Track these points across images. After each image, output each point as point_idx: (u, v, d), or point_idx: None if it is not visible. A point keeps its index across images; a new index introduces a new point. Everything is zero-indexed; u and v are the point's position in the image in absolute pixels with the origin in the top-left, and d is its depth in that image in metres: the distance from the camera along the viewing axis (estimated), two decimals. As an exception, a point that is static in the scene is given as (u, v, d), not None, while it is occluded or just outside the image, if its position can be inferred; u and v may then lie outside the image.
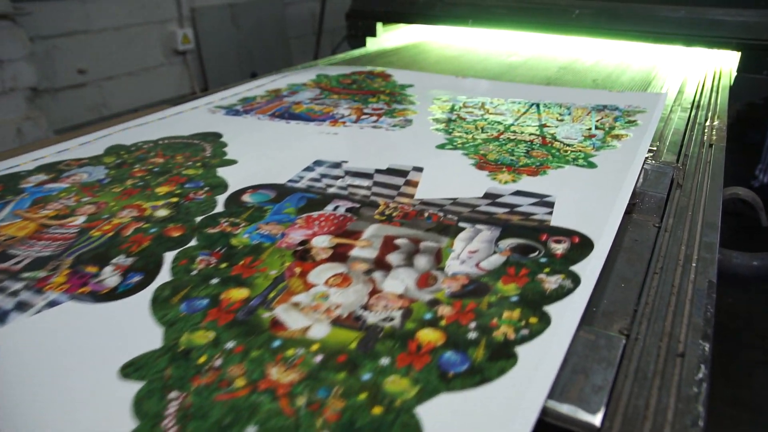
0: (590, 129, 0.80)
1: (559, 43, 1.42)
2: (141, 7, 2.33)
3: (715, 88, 1.05)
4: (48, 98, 2.06)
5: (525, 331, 0.39)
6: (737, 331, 1.52)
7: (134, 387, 0.35)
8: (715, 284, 0.46)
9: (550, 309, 0.41)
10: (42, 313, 0.43)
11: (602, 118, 0.84)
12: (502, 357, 0.37)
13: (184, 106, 0.95)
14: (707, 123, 0.86)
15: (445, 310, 0.41)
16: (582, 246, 0.49)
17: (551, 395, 0.34)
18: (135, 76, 2.38)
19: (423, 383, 0.35)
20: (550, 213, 0.56)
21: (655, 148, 0.74)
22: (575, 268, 0.46)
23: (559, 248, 0.49)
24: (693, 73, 1.15)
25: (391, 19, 1.46)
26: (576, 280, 0.44)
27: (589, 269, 0.46)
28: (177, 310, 0.42)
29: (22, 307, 0.43)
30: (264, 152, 0.74)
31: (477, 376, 0.35)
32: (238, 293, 0.44)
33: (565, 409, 0.33)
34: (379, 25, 1.46)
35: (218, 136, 0.81)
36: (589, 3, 1.27)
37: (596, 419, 0.33)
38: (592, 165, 0.68)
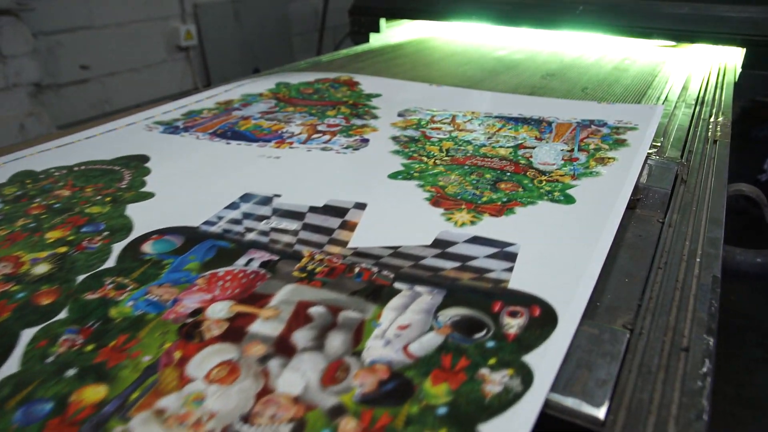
0: (572, 151, 0.71)
1: (563, 38, 1.42)
2: (144, 3, 2.33)
3: (719, 85, 1.05)
4: (51, 94, 2.06)
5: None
6: (740, 329, 1.52)
7: None
8: (720, 280, 0.46)
9: (485, 428, 0.31)
10: None
11: (587, 136, 0.75)
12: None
13: (119, 122, 0.86)
14: (711, 119, 0.86)
15: (348, 426, 0.32)
16: (543, 321, 0.40)
17: (556, 389, 0.34)
18: (138, 72, 2.38)
19: None
20: (511, 269, 0.46)
21: (659, 144, 0.74)
22: (529, 357, 0.36)
23: (514, 325, 0.39)
24: (697, 69, 1.15)
25: (394, 15, 1.46)
26: (527, 380, 0.34)
27: (547, 361, 0.36)
28: (9, 420, 0.33)
29: None
30: (189, 182, 0.66)
31: None
32: (94, 393, 0.35)
33: (570, 402, 0.33)
34: (382, 21, 1.45)
35: (144, 159, 0.72)
36: (593, -1, 1.26)
37: (600, 412, 0.33)
38: (569, 200, 0.58)
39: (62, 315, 0.42)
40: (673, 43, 1.25)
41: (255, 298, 0.44)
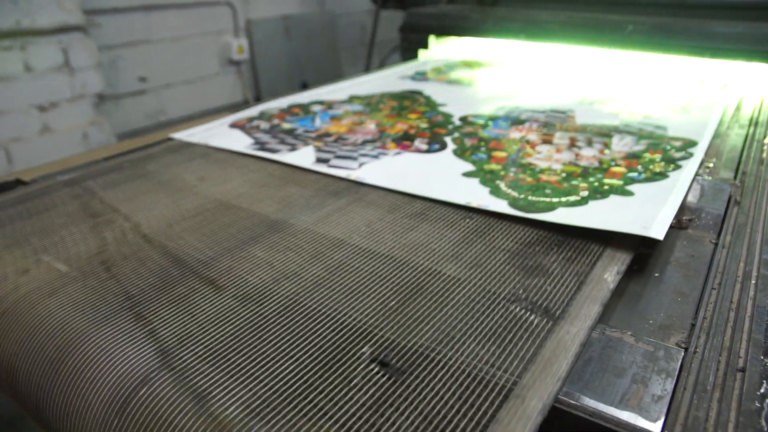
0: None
1: (609, 58, 1.41)
2: (199, 19, 2.43)
3: (775, 105, 1.03)
4: (111, 105, 2.17)
5: (669, 168, 0.69)
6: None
7: (475, 179, 0.68)
8: (776, 302, 0.46)
9: (680, 163, 0.71)
10: (396, 156, 0.77)
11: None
12: (659, 177, 0.67)
13: (374, 75, 1.30)
14: (766, 140, 0.85)
15: (621, 162, 0.72)
16: (690, 143, 0.79)
17: (611, 402, 0.35)
18: (191, 84, 2.47)
19: (624, 181, 0.66)
20: (665, 131, 0.85)
21: (711, 165, 0.74)
22: (690, 150, 0.76)
23: (677, 143, 0.79)
24: (751, 90, 1.13)
25: (443, 32, 1.48)
26: (690, 155, 0.73)
27: (697, 152, 0.75)
28: (471, 158, 0.75)
29: (382, 154, 0.78)
30: (459, 101, 1.04)
31: (650, 179, 0.66)
32: (501, 153, 0.77)
33: (626, 416, 0.34)
34: (431, 38, 1.48)
35: (420, 92, 1.11)
36: (643, 18, 1.26)
37: (656, 427, 0.34)
38: (686, 111, 0.97)
39: (456, 134, 0.85)
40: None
41: (546, 134, 0.85)
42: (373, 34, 2.35)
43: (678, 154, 0.74)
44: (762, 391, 0.37)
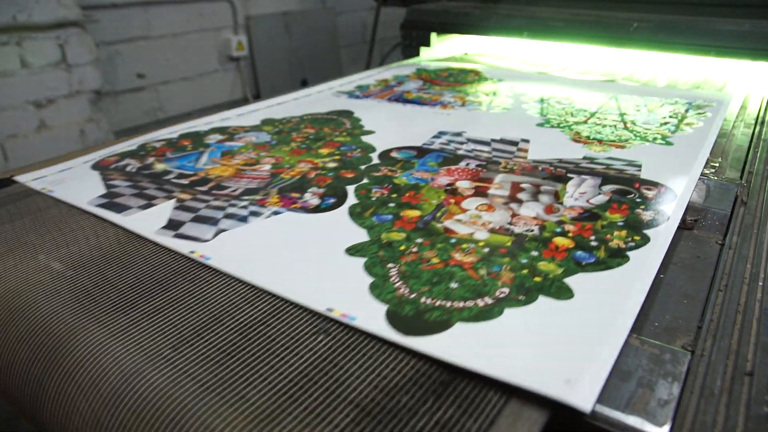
0: (665, 117, 0.92)
1: (612, 57, 1.41)
2: (198, 15, 2.41)
3: (780, 104, 1.02)
4: (109, 101, 2.15)
5: (632, 243, 0.52)
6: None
7: (360, 261, 0.50)
8: (784, 304, 0.45)
9: (648, 232, 0.54)
10: (271, 218, 0.58)
11: (674, 110, 0.96)
12: (618, 256, 0.50)
13: (310, 90, 1.12)
14: (772, 140, 0.84)
15: (570, 227, 0.55)
16: (667, 194, 0.63)
17: (617, 407, 0.34)
18: (190, 81, 2.46)
19: (565, 267, 0.48)
20: (639, 171, 0.69)
21: (717, 165, 0.73)
22: (664, 207, 0.59)
23: (650, 193, 0.63)
24: (756, 88, 1.12)
25: (445, 29, 1.47)
26: (665, 216, 0.57)
27: (675, 209, 0.58)
28: (371, 220, 0.57)
29: (255, 214, 0.59)
30: (394, 125, 0.88)
31: (602, 265, 0.49)
32: (413, 212, 0.59)
33: (632, 420, 0.33)
34: (433, 36, 1.47)
35: (350, 113, 0.95)
36: (648, 16, 1.25)
37: (663, 432, 0.33)
38: (669, 143, 0.79)
39: (365, 181, 0.67)
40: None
41: (483, 180, 0.68)
42: (373, 31, 2.34)
43: (648, 215, 0.57)
44: (772, 396, 0.36)
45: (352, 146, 0.79)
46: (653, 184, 0.65)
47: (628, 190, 0.63)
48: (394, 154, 0.76)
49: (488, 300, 0.43)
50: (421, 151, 0.77)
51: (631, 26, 1.19)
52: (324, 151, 0.77)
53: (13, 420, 0.64)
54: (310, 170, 0.71)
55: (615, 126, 0.87)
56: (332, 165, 0.72)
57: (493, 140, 0.81)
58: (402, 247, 0.52)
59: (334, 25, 3.09)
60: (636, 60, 1.36)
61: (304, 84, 2.80)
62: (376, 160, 0.74)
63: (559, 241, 0.52)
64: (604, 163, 0.72)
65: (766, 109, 0.99)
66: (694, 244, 0.55)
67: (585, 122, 0.89)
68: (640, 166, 0.71)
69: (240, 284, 0.48)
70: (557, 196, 0.62)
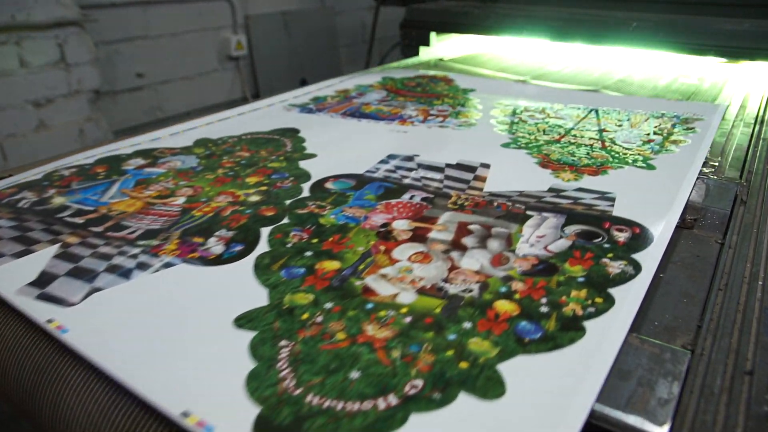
0: (648, 134, 0.82)
1: (613, 56, 1.41)
2: (197, 14, 2.41)
3: (779, 104, 1.02)
4: (108, 101, 2.15)
5: (591, 309, 0.42)
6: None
7: (248, 335, 0.40)
8: (784, 304, 0.45)
9: (614, 291, 0.44)
10: (160, 272, 0.48)
11: (660, 125, 0.86)
12: (572, 329, 0.40)
13: (260, 103, 1.01)
14: (771, 139, 0.84)
15: (518, 286, 0.45)
16: (642, 236, 0.53)
17: (618, 406, 0.34)
18: (189, 80, 2.46)
19: (502, 346, 0.38)
20: (612, 206, 0.59)
21: (716, 164, 0.73)
22: (636, 256, 0.49)
23: (621, 236, 0.53)
24: (756, 88, 1.12)
25: (445, 29, 1.47)
26: (637, 267, 0.47)
27: (650, 258, 0.49)
28: (278, 276, 0.47)
29: (142, 266, 0.49)
30: (340, 146, 0.79)
31: (550, 343, 0.39)
32: (331, 264, 0.49)
33: (632, 420, 0.33)
34: (432, 35, 1.47)
35: (296, 131, 0.85)
36: (647, 15, 1.25)
37: (663, 431, 0.33)
38: (650, 167, 0.70)
39: (285, 221, 0.57)
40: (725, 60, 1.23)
41: (425, 219, 0.57)
42: (373, 30, 2.34)
43: (616, 266, 0.48)
44: (772, 395, 0.36)
45: (285, 174, 0.69)
46: (626, 224, 0.55)
47: (596, 233, 0.53)
48: (328, 185, 0.66)
49: (392, 400, 0.33)
50: (361, 181, 0.66)
51: (631, 25, 1.19)
52: (252, 180, 0.68)
53: (12, 421, 0.64)
54: (228, 206, 0.61)
55: (591, 146, 0.77)
56: (255, 199, 0.62)
57: (449, 165, 0.71)
58: (305, 316, 0.41)
59: (334, 25, 3.09)
60: (632, 60, 1.36)
61: (303, 83, 2.80)
62: (306, 192, 0.64)
63: (502, 306, 0.43)
64: (572, 196, 0.62)
65: (765, 109, 0.99)
66: (694, 244, 0.55)
67: (557, 141, 0.80)
68: (613, 199, 0.61)
69: (94, 377, 0.38)
70: (510, 241, 0.52)
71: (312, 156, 0.75)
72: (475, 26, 1.39)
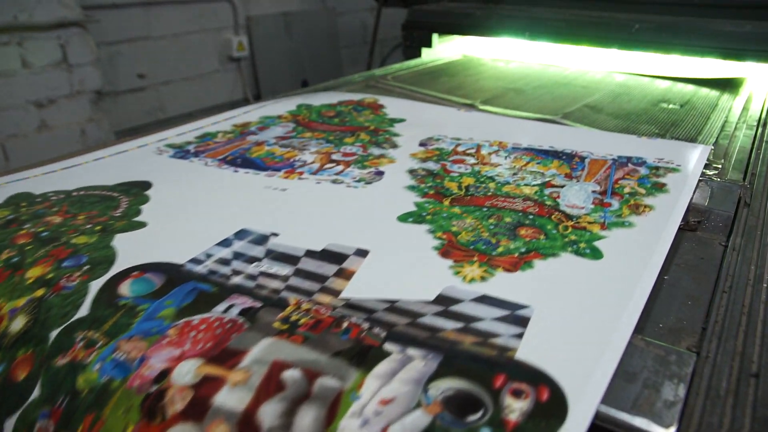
0: (604, 193, 0.63)
1: (616, 58, 1.40)
2: (199, 15, 2.41)
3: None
4: (110, 101, 2.15)
5: None
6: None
7: None
8: (788, 306, 0.45)
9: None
10: None
11: (623, 177, 0.67)
12: None
13: (130, 144, 0.82)
14: (774, 141, 0.84)
15: None
16: (550, 410, 0.32)
17: (623, 408, 0.34)
18: (191, 81, 2.46)
19: None
20: (521, 335, 0.39)
21: (720, 166, 0.73)
22: None
23: (516, 410, 0.32)
24: (759, 90, 1.12)
25: (447, 30, 1.47)
26: None
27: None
28: None
29: None
30: (186, 213, 0.61)
31: None
32: None
33: (638, 422, 0.33)
34: (434, 36, 1.47)
35: (146, 186, 0.67)
36: (649, 17, 1.25)
37: (670, 434, 0.32)
38: (596, 254, 0.51)
39: (35, 393, 0.39)
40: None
41: (226, 356, 0.37)
42: (374, 31, 2.34)
43: None
44: (778, 398, 0.36)
45: (82, 258, 0.50)
46: (531, 379, 0.35)
47: (477, 400, 0.33)
48: (124, 288, 0.46)
49: None
50: (171, 280, 0.46)
51: (633, 27, 1.19)
52: (33, 273, 0.48)
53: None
54: None
55: (524, 213, 0.59)
56: (17, 326, 0.43)
57: (309, 253, 0.51)
58: None
59: (335, 26, 3.09)
60: (628, 62, 1.36)
61: (305, 84, 2.80)
62: (86, 305, 0.44)
63: None
64: (466, 313, 0.42)
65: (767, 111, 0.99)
66: (698, 246, 0.55)
67: (480, 207, 0.60)
68: (527, 321, 0.41)
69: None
70: (334, 411, 0.33)
71: (140, 226, 0.57)
72: (477, 28, 1.40)
